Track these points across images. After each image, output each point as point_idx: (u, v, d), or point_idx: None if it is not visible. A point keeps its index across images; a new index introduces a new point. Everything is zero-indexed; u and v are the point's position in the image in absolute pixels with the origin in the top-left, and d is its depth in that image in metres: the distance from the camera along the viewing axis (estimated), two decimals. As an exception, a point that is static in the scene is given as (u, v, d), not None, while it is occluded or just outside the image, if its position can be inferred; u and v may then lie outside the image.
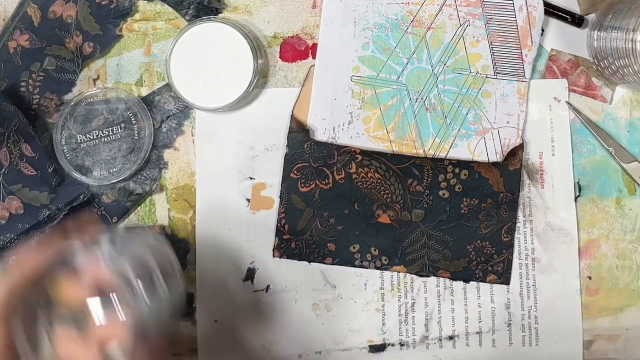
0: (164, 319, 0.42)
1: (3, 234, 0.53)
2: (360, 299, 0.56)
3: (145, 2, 0.57)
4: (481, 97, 0.55)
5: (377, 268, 0.55)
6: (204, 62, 0.54)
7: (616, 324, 0.55)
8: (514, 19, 0.55)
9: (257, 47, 0.54)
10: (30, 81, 0.57)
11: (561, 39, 0.56)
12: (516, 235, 0.55)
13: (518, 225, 0.55)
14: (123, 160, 0.56)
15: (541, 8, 0.54)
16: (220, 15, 0.56)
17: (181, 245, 0.56)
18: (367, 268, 0.55)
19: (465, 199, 0.55)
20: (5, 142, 0.53)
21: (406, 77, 0.56)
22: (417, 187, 0.55)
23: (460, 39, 0.55)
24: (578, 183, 0.55)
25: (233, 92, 0.54)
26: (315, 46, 0.56)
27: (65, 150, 0.56)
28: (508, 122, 0.55)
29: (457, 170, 0.55)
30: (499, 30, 0.55)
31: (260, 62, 0.55)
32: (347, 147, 0.55)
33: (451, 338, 0.55)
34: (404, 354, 0.55)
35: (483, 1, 0.55)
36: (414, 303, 0.55)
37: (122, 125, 0.56)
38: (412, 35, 0.56)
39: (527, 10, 0.54)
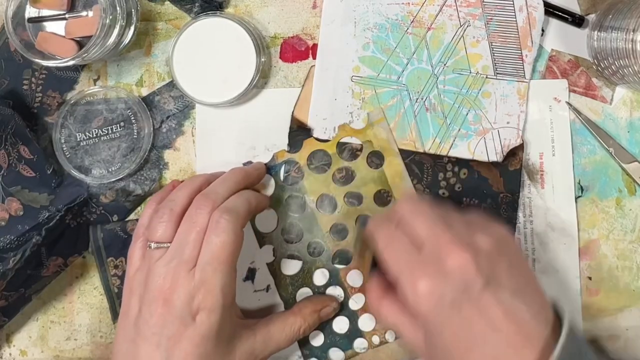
0: None
1: (3, 235, 0.53)
2: (361, 299, 0.56)
3: (146, 1, 0.57)
4: (481, 97, 0.55)
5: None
6: (207, 56, 0.54)
7: (616, 324, 0.55)
8: (514, 19, 0.55)
9: (260, 44, 0.54)
10: (33, 79, 0.57)
11: (561, 39, 0.56)
12: (516, 235, 0.55)
13: (518, 225, 0.55)
14: (122, 159, 0.56)
15: (541, 8, 0.54)
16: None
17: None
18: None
19: (464, 199, 0.55)
20: (3, 144, 0.53)
21: (406, 77, 0.56)
22: (417, 185, 0.55)
23: (460, 39, 0.55)
24: (579, 183, 0.55)
25: (235, 88, 0.54)
26: (315, 46, 0.56)
27: (65, 149, 0.56)
28: (508, 122, 0.55)
29: (456, 169, 0.55)
30: (498, 30, 0.55)
31: (263, 59, 0.55)
32: (348, 143, 0.55)
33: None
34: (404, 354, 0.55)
35: (483, 1, 0.55)
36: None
37: (122, 124, 0.56)
38: (412, 35, 0.56)
39: (527, 10, 0.55)
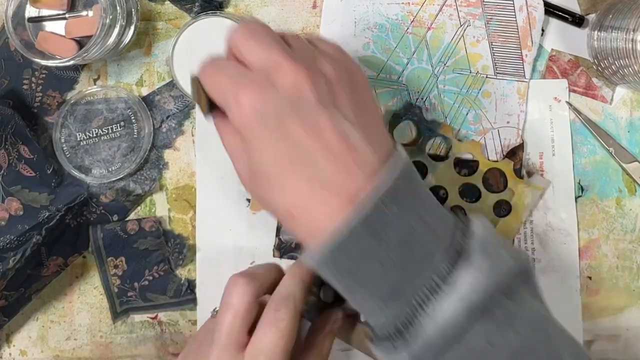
0: None
1: (3, 235, 0.53)
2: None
3: (146, 1, 0.57)
4: (481, 97, 0.55)
5: None
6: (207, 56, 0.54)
7: (616, 324, 0.55)
8: (514, 19, 0.55)
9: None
10: (33, 79, 0.57)
11: (561, 39, 0.56)
12: (516, 236, 0.55)
13: (518, 225, 0.55)
14: (122, 159, 0.56)
15: (541, 8, 0.54)
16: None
17: (177, 241, 0.56)
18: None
19: (465, 199, 0.55)
20: (3, 144, 0.53)
21: (406, 77, 0.56)
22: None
23: (460, 39, 0.55)
24: (579, 183, 0.55)
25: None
26: (315, 46, 0.56)
27: (65, 149, 0.56)
28: (508, 122, 0.55)
29: (456, 169, 0.55)
30: (499, 30, 0.55)
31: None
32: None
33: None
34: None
35: (483, 1, 0.55)
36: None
37: (122, 123, 0.56)
38: (412, 35, 0.56)
39: (527, 10, 0.55)
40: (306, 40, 0.42)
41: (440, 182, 0.55)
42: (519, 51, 0.55)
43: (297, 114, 0.37)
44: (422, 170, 0.55)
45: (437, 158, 0.55)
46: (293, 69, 0.37)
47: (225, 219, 0.56)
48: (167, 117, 0.57)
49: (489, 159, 0.55)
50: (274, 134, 0.37)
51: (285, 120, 0.37)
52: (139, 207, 0.57)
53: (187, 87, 0.54)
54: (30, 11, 0.55)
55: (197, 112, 0.57)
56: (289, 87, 0.37)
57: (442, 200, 0.54)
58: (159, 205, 0.57)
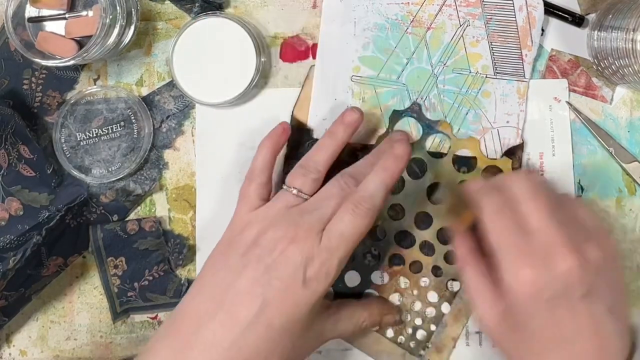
0: None
1: (3, 235, 0.53)
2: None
3: (146, 1, 0.57)
4: (481, 96, 0.55)
5: (377, 267, 0.55)
6: (207, 56, 0.54)
7: (617, 324, 0.55)
8: (514, 19, 0.55)
9: (260, 44, 0.54)
10: (33, 79, 0.57)
11: (561, 38, 0.56)
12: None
13: (518, 225, 0.55)
14: (122, 159, 0.56)
15: (541, 8, 0.54)
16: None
17: (177, 241, 0.56)
18: (367, 267, 0.55)
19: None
20: (3, 144, 0.53)
21: (406, 77, 0.56)
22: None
23: (460, 39, 0.55)
24: (579, 183, 0.55)
25: (235, 88, 0.54)
26: (315, 46, 0.56)
27: (65, 149, 0.56)
28: (507, 122, 0.55)
29: (455, 167, 0.55)
30: (498, 30, 0.55)
31: (263, 59, 0.55)
32: (347, 143, 0.55)
33: (451, 338, 0.55)
34: (403, 353, 0.55)
35: (483, 1, 0.55)
36: (414, 302, 0.55)
37: (122, 123, 0.56)
38: (411, 35, 0.56)
39: (527, 9, 0.55)
40: (572, 200, 0.47)
41: (439, 178, 0.55)
42: (519, 51, 0.55)
43: (565, 301, 0.41)
44: (422, 167, 0.55)
45: (436, 155, 0.55)
46: (569, 257, 0.41)
47: (225, 219, 0.56)
48: (167, 117, 0.57)
49: (487, 157, 0.55)
50: (541, 312, 0.42)
51: (555, 305, 0.41)
52: (139, 207, 0.57)
53: (187, 87, 0.54)
54: (30, 11, 0.55)
55: (197, 112, 0.57)
56: (563, 275, 0.41)
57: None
58: (159, 205, 0.57)
